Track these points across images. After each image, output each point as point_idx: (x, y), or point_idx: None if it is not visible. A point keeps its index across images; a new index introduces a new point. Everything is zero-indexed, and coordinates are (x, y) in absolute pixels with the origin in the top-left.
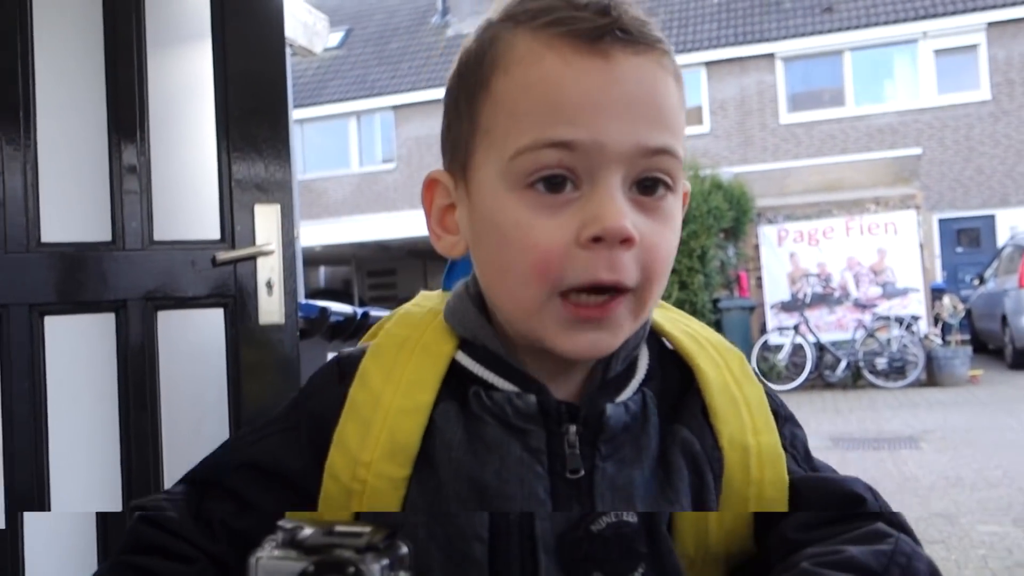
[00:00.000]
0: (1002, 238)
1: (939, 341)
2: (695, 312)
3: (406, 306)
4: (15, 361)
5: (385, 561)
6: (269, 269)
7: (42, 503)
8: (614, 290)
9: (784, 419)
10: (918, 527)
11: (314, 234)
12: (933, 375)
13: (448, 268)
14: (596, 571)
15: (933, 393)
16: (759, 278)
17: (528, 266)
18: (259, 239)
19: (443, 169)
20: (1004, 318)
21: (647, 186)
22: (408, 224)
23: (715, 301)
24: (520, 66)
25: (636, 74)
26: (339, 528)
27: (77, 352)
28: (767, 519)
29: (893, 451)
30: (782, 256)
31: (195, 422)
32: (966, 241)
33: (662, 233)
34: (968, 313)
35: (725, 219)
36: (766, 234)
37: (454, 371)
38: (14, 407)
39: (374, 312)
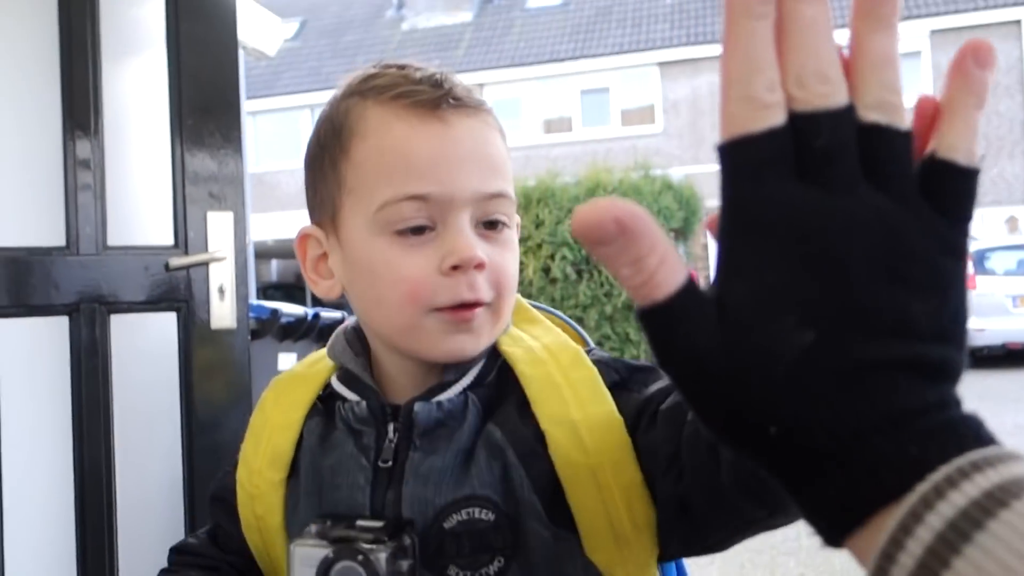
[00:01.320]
0: None
1: None
2: None
3: (295, 367)
4: None
5: (390, 550)
6: (221, 275)
7: None
8: (475, 305)
9: (632, 375)
10: None
11: (266, 228)
12: None
13: None
14: (451, 565)
15: None
16: (708, 278)
17: (401, 295)
18: (211, 246)
19: (312, 224)
20: None
21: (490, 223)
22: None
23: None
24: (375, 134)
25: (470, 134)
26: (359, 523)
27: (30, 356)
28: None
29: None
30: None
31: (148, 424)
32: None
33: (505, 256)
34: None
35: (675, 219)
36: None
37: (332, 394)
38: None
39: (325, 313)
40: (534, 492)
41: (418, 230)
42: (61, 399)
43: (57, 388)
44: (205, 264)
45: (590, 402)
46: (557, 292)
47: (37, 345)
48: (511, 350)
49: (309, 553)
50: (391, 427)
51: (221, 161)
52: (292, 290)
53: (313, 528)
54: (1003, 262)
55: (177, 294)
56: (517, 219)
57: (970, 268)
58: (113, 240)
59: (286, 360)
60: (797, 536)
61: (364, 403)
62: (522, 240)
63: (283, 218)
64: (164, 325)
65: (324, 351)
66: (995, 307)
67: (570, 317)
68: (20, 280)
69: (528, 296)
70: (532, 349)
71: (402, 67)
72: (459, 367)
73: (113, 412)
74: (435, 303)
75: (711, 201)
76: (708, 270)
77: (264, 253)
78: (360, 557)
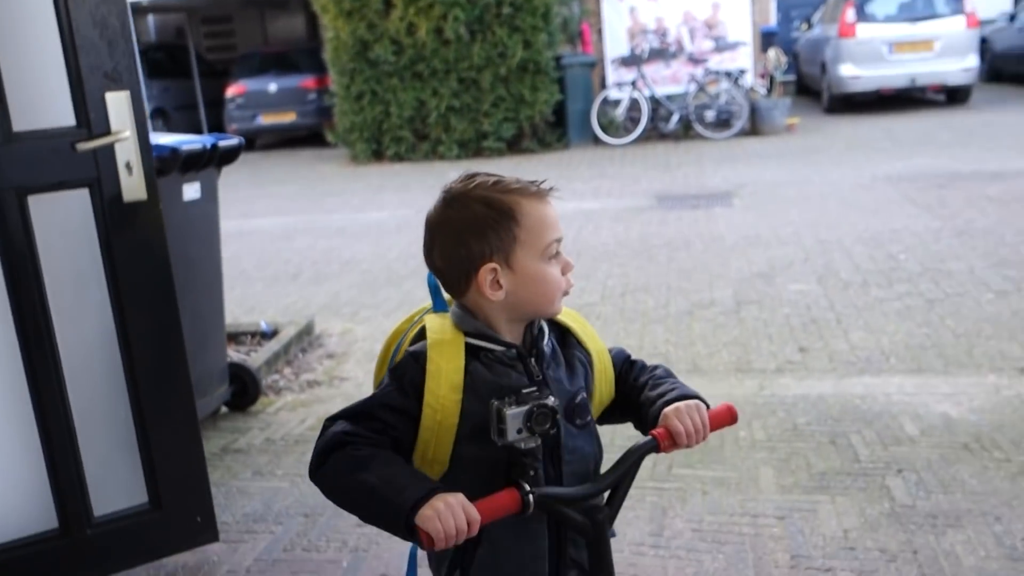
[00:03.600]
0: None
1: (763, 92)
2: (538, 71)
3: (430, 335)
4: None
5: (557, 401)
6: (126, 152)
7: None
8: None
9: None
10: (740, 287)
11: None
12: (756, 125)
13: (434, 299)
14: (577, 418)
15: (754, 144)
16: (600, 31)
17: (555, 289)
18: (113, 125)
19: (487, 264)
20: (824, 65)
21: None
22: None
23: (558, 59)
24: (530, 215)
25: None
26: (524, 391)
27: None
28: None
29: (708, 210)
30: (622, 11)
31: (78, 289)
32: None
33: None
34: (795, 57)
35: None
36: None
37: (469, 348)
38: None
39: (223, 143)
40: (590, 382)
41: (555, 254)
42: None
43: None
44: (110, 144)
45: (600, 342)
46: (451, 54)
47: None
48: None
49: (516, 411)
50: (532, 361)
51: (112, 42)
52: (175, 50)
53: (506, 401)
54: (884, 7)
55: (87, 172)
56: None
57: (852, 15)
58: (19, 126)
59: (190, 190)
60: (665, 305)
61: (515, 351)
62: (412, 0)
63: None
64: (79, 202)
65: (439, 321)
66: (872, 54)
67: (464, 78)
68: None
69: (422, 60)
70: (566, 313)
71: (495, 176)
72: (536, 324)
73: (44, 282)
74: (564, 290)
75: None
76: (601, 24)
77: (137, 9)
78: (550, 402)
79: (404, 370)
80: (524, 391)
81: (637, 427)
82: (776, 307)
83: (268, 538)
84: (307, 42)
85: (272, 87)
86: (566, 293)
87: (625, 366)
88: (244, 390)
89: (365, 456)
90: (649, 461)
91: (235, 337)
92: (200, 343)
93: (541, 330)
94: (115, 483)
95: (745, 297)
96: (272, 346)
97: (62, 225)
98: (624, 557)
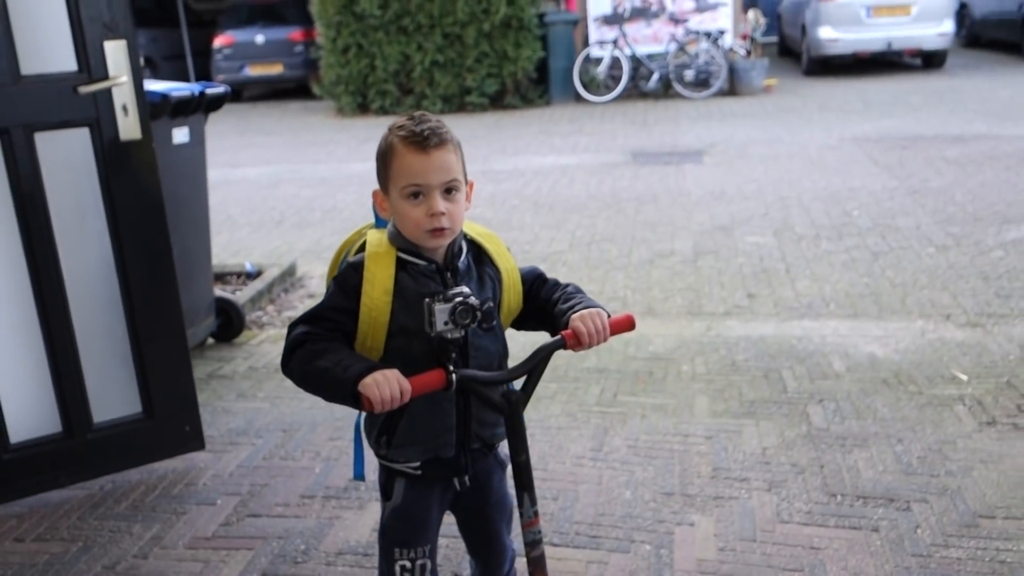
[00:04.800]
0: None
1: (743, 53)
2: (521, 27)
3: (369, 248)
4: None
5: (478, 300)
6: (123, 96)
7: None
8: (442, 230)
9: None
10: (700, 239)
11: None
12: (734, 85)
13: (376, 221)
14: (484, 323)
15: (730, 104)
16: None
17: (413, 225)
18: (111, 71)
19: (378, 187)
20: (804, 27)
21: (448, 191)
22: None
23: (541, 16)
24: (398, 159)
25: (439, 155)
26: (450, 293)
27: None
28: (527, 297)
29: (679, 166)
30: None
31: (79, 220)
32: None
33: (456, 207)
34: (779, 18)
35: None
36: None
37: (403, 261)
38: None
39: (210, 90)
40: (498, 294)
41: (417, 196)
42: (4, 207)
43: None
44: (108, 88)
45: (511, 260)
46: (435, 8)
47: None
48: (476, 236)
49: (443, 307)
50: (448, 274)
51: None
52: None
53: (436, 298)
54: None
55: (88, 113)
56: (472, 181)
57: None
58: (26, 70)
59: (179, 134)
60: (628, 254)
61: (434, 265)
62: None
63: None
64: (81, 140)
65: (377, 238)
66: (850, 17)
67: (448, 33)
68: None
69: (407, 14)
70: (484, 235)
71: (414, 120)
72: (456, 244)
73: (50, 211)
74: (425, 229)
75: None
76: None
77: None
78: (470, 300)
79: (346, 278)
80: (451, 292)
81: (552, 335)
82: (731, 257)
83: (249, 449)
84: None
85: (259, 39)
86: (435, 233)
87: (537, 282)
88: (229, 323)
89: (320, 349)
90: (597, 389)
91: (221, 277)
92: (188, 277)
93: (460, 249)
94: (113, 394)
95: (704, 248)
96: (256, 285)
97: (65, 161)
98: (565, 467)
